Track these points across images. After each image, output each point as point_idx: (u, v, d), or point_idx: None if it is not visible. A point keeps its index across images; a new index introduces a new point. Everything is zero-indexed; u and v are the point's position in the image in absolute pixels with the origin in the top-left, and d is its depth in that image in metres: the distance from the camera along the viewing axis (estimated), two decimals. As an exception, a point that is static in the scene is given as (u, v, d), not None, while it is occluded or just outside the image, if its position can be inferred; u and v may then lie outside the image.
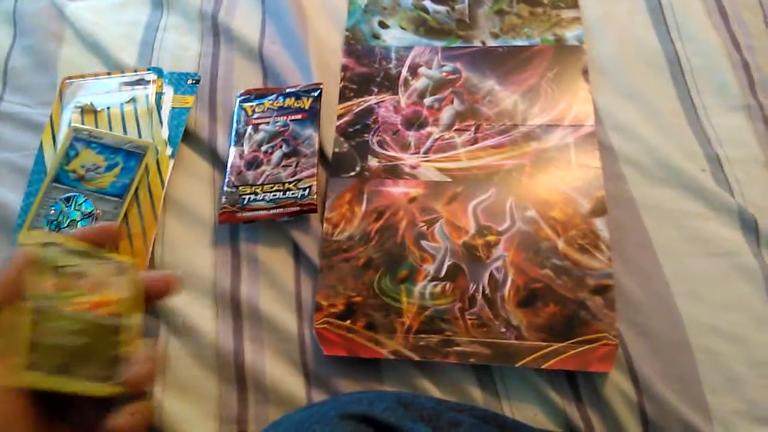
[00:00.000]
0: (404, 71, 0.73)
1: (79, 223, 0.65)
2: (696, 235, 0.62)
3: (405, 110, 0.71)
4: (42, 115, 0.74)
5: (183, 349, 0.61)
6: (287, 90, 0.72)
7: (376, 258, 0.62)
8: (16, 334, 0.35)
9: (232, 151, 0.69)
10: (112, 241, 0.41)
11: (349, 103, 0.72)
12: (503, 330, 0.58)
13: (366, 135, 0.69)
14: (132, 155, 0.68)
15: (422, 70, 0.73)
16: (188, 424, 0.57)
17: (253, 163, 0.68)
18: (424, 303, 0.59)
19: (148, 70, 0.75)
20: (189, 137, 0.71)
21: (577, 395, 0.56)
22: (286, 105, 0.71)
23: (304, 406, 0.57)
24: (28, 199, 0.67)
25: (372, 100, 0.72)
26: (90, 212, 0.65)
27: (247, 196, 0.65)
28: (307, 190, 0.65)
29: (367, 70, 0.74)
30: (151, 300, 0.40)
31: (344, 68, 0.74)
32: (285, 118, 0.70)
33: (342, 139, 0.69)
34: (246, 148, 0.69)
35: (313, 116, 0.70)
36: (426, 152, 0.68)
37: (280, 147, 0.69)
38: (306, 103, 0.71)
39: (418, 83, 0.72)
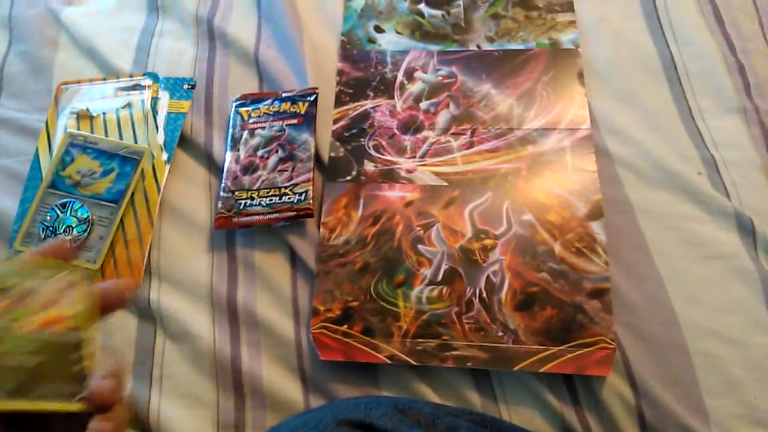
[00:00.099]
0: (400, 75, 0.73)
1: (75, 229, 0.65)
2: (693, 239, 0.62)
3: (401, 114, 0.71)
4: (37, 120, 0.74)
5: (180, 354, 0.61)
6: (283, 95, 0.72)
7: (373, 262, 0.62)
8: None
9: (228, 156, 0.69)
10: (66, 257, 0.40)
11: (345, 107, 0.72)
12: (501, 334, 0.57)
13: (362, 139, 0.69)
14: (128, 161, 0.68)
15: (418, 74, 0.73)
16: (185, 429, 0.57)
17: (249, 168, 0.68)
18: (421, 307, 0.59)
19: (144, 75, 0.75)
20: (185, 142, 0.71)
21: (575, 399, 0.56)
22: (281, 110, 0.71)
23: (301, 412, 0.57)
24: (24, 205, 0.67)
25: (368, 104, 0.72)
26: (86, 218, 0.65)
27: (243, 201, 0.65)
28: (304, 195, 0.65)
29: (363, 74, 0.74)
30: (107, 310, 0.39)
31: (340, 73, 0.74)
32: (281, 122, 0.70)
33: (338, 143, 0.69)
34: (242, 153, 0.69)
35: (308, 121, 0.70)
36: (422, 156, 0.68)
37: (276, 152, 0.68)
38: (302, 107, 0.71)
39: (414, 87, 0.72)
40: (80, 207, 0.66)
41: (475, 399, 0.57)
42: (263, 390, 0.58)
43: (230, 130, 0.71)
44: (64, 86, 0.75)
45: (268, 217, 0.64)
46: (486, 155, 0.67)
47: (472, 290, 0.60)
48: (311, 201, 0.65)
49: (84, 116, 0.72)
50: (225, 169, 0.68)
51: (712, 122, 0.68)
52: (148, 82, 0.74)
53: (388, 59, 0.75)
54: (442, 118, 0.70)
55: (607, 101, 0.70)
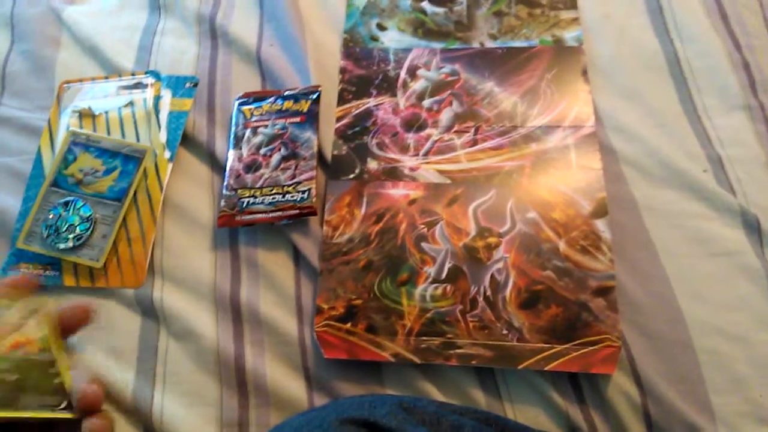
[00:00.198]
0: (403, 73, 0.73)
1: (78, 228, 0.64)
2: (698, 236, 0.62)
3: (404, 112, 0.70)
4: (40, 119, 0.73)
5: (183, 352, 0.60)
6: (286, 93, 0.72)
7: (377, 260, 0.62)
8: None
9: (231, 155, 0.69)
10: (28, 289, 0.42)
11: (348, 105, 0.71)
12: (505, 332, 0.57)
13: (365, 137, 0.69)
14: (130, 159, 0.68)
15: (421, 72, 0.73)
16: (189, 428, 0.57)
17: (252, 167, 0.68)
18: (425, 305, 0.59)
19: (146, 73, 0.75)
20: (187, 141, 0.71)
21: (580, 397, 0.56)
22: (284, 108, 0.71)
23: (305, 411, 0.56)
24: (27, 203, 0.67)
25: (371, 102, 0.71)
26: (88, 216, 0.65)
27: (246, 200, 0.65)
28: (307, 193, 0.65)
29: (366, 72, 0.74)
30: (69, 332, 0.42)
31: (342, 70, 0.74)
32: (283, 120, 0.70)
33: (341, 141, 0.69)
34: (245, 151, 0.69)
35: (311, 119, 0.70)
36: (425, 154, 0.67)
37: (279, 150, 0.68)
38: (304, 105, 0.71)
39: (417, 85, 0.72)
40: (83, 205, 0.65)
41: (479, 397, 0.57)
42: (267, 388, 0.58)
43: (233, 128, 0.71)
44: (66, 85, 0.75)
45: (271, 215, 0.64)
46: (490, 153, 0.67)
47: (476, 288, 0.59)
48: (314, 199, 0.64)
49: (86, 115, 0.72)
50: (228, 168, 0.68)
51: (718, 120, 0.68)
52: (150, 80, 0.74)
53: (391, 57, 0.74)
54: (445, 116, 0.69)
55: (612, 99, 0.70)
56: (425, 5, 0.78)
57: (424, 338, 0.58)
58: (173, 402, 0.58)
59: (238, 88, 0.74)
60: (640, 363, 0.56)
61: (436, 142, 0.68)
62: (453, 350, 0.57)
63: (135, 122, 0.71)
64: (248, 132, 0.70)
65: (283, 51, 0.76)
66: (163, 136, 0.70)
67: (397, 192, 0.65)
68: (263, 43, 0.77)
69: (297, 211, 0.64)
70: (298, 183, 0.66)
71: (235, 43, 0.77)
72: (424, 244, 0.62)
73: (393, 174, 0.66)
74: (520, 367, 0.56)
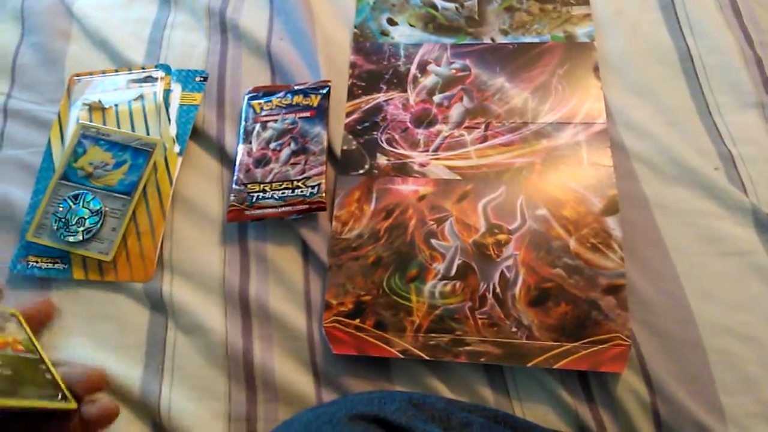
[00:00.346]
0: (413, 68, 0.73)
1: (87, 221, 0.64)
2: (709, 234, 0.61)
3: (414, 108, 0.70)
4: (50, 112, 0.73)
5: (192, 347, 0.60)
6: (295, 87, 0.72)
7: (386, 256, 0.62)
8: None
9: (241, 149, 0.69)
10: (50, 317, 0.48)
11: (358, 100, 0.71)
12: (514, 330, 0.57)
13: (375, 133, 0.69)
14: (140, 152, 0.68)
15: (431, 67, 0.73)
16: (197, 422, 0.57)
17: (262, 161, 0.67)
18: (434, 302, 0.59)
19: (156, 67, 0.74)
20: (197, 134, 0.71)
21: (589, 395, 0.56)
22: (294, 102, 0.71)
23: (314, 406, 0.56)
24: (36, 196, 0.67)
25: (381, 97, 0.71)
26: (98, 210, 0.65)
27: (255, 194, 0.65)
28: (316, 188, 0.65)
29: (376, 67, 0.73)
30: (36, 330, 0.45)
31: (353, 65, 0.74)
32: (293, 115, 0.70)
33: (350, 136, 0.69)
34: (254, 146, 0.68)
35: (321, 114, 0.69)
36: (435, 150, 0.67)
37: (289, 144, 0.68)
38: (314, 100, 0.70)
39: (427, 80, 0.72)
40: (92, 199, 0.66)
41: (488, 395, 0.57)
42: (275, 383, 0.58)
43: (242, 122, 0.71)
44: (76, 78, 0.75)
45: (280, 210, 0.64)
46: (500, 149, 0.66)
47: (485, 285, 0.59)
48: (324, 194, 0.64)
49: (96, 108, 0.72)
50: (237, 162, 0.68)
51: (730, 117, 0.67)
52: (160, 74, 0.74)
53: (401, 52, 0.74)
54: (455, 112, 0.69)
55: (623, 95, 0.70)
56: (436, 0, 0.78)
57: (433, 335, 0.58)
58: (181, 396, 0.58)
59: (248, 82, 0.74)
60: (649, 362, 0.56)
61: (446, 137, 0.68)
62: (462, 347, 0.57)
63: (145, 116, 0.71)
64: (258, 126, 0.70)
65: (293, 45, 0.76)
66: (172, 130, 0.70)
67: (407, 188, 0.65)
68: (273, 37, 0.77)
69: (306, 206, 0.64)
70: (308, 178, 0.65)
71: (245, 37, 0.77)
72: (433, 241, 0.62)
73: (403, 170, 0.66)
74: (529, 364, 0.56)
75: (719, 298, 0.59)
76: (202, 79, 0.73)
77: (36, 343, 0.44)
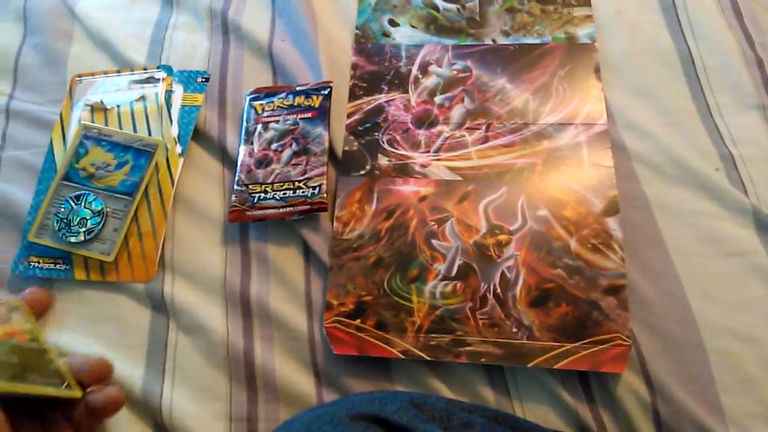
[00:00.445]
0: (414, 69, 0.73)
1: (89, 222, 0.65)
2: (710, 235, 0.61)
3: (415, 109, 0.70)
4: (52, 113, 0.74)
5: (193, 347, 0.61)
6: (297, 88, 0.72)
7: (387, 257, 0.62)
8: None
9: (242, 150, 0.69)
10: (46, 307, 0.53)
11: (359, 101, 0.71)
12: (515, 330, 0.57)
13: (376, 133, 0.69)
14: (142, 153, 0.68)
15: (432, 68, 0.73)
16: (198, 422, 0.57)
17: (263, 162, 0.68)
18: (434, 302, 0.59)
19: (158, 68, 0.75)
20: (199, 135, 0.71)
21: (590, 396, 0.56)
22: (295, 103, 0.71)
23: (315, 406, 0.57)
24: (38, 197, 0.67)
25: (382, 98, 0.71)
26: (100, 210, 0.65)
27: (256, 195, 0.65)
28: (317, 189, 0.65)
29: (377, 68, 0.73)
30: (37, 316, 0.48)
31: (354, 66, 0.74)
32: (295, 116, 0.70)
33: (352, 137, 0.69)
34: (256, 147, 0.69)
35: (322, 114, 0.70)
36: (436, 151, 0.67)
37: (290, 145, 0.68)
38: (316, 101, 0.71)
39: (429, 81, 0.72)
40: (94, 199, 0.66)
41: (488, 395, 0.57)
42: (276, 383, 0.58)
43: (244, 123, 0.71)
44: (78, 78, 0.75)
45: (281, 210, 0.64)
46: (501, 150, 0.66)
47: (486, 286, 0.59)
48: (325, 195, 0.64)
49: (98, 108, 0.72)
50: (239, 163, 0.68)
51: (730, 118, 0.67)
52: (162, 74, 0.74)
53: (403, 53, 0.74)
54: (456, 113, 0.69)
55: (624, 96, 0.70)
56: (437, 1, 0.78)
57: (434, 335, 0.58)
58: (182, 396, 0.59)
59: (250, 83, 0.74)
60: (650, 362, 0.56)
61: (447, 138, 0.68)
62: (462, 347, 0.57)
63: (147, 116, 0.71)
64: (259, 127, 0.70)
65: (294, 46, 0.76)
66: (174, 131, 0.70)
67: (408, 188, 0.65)
68: (275, 39, 0.77)
69: (308, 207, 0.64)
70: (309, 179, 0.66)
71: (247, 38, 0.77)
72: (434, 241, 0.62)
73: (404, 170, 0.66)
74: (529, 365, 0.56)
75: (720, 298, 0.59)
76: (203, 80, 0.74)
77: (40, 334, 0.44)
